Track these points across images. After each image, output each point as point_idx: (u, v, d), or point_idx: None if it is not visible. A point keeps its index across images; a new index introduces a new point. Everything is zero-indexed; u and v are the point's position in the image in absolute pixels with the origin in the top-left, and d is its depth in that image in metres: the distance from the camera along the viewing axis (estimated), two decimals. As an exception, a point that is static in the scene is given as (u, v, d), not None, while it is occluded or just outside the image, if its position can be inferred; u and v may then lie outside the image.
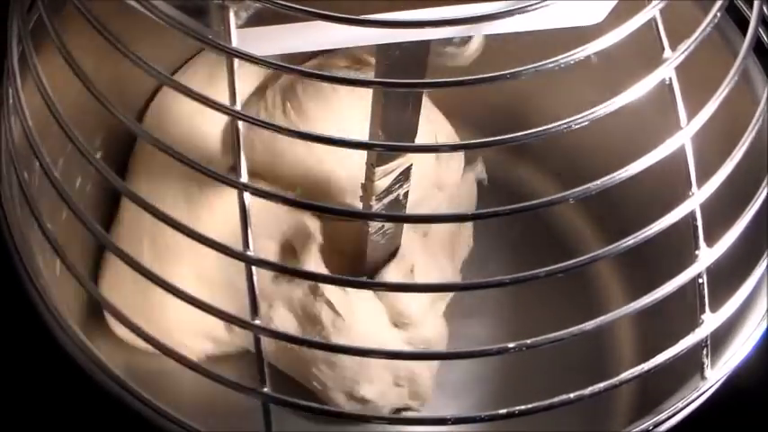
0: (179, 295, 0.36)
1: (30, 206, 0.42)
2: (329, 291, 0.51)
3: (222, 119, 0.54)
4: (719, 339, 0.40)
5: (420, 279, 0.53)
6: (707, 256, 0.37)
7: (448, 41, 0.46)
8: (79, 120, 0.39)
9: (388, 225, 0.52)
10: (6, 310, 0.49)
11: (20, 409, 0.54)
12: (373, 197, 0.49)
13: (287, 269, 0.35)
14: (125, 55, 0.35)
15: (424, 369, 0.53)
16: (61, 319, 0.42)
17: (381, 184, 0.49)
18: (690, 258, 0.37)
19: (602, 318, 0.35)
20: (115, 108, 0.36)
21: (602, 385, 0.36)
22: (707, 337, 0.38)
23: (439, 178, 0.59)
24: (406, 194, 0.51)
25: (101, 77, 0.37)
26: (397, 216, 0.51)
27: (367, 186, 0.49)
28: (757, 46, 0.43)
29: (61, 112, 0.39)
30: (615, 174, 0.35)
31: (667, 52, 0.36)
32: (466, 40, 0.49)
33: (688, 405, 0.39)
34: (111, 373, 0.40)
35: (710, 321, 0.38)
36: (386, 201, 0.50)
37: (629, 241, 0.35)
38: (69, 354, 0.41)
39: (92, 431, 0.53)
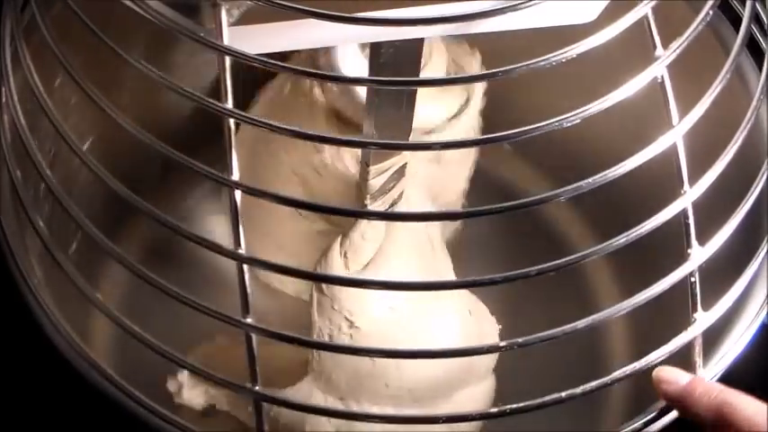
0: (173, 295, 0.36)
1: (22, 205, 0.42)
2: None
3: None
4: (712, 337, 0.40)
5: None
6: (699, 254, 0.37)
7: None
8: (71, 118, 0.39)
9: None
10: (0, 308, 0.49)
11: (14, 409, 0.53)
12: (368, 196, 0.49)
13: (279, 267, 0.35)
14: (119, 53, 0.35)
15: None
16: (54, 318, 0.42)
17: (376, 182, 0.49)
18: (682, 257, 0.37)
19: (594, 316, 0.35)
20: (107, 105, 0.36)
21: (594, 384, 0.36)
22: (699, 335, 0.38)
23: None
24: (400, 194, 0.51)
25: (93, 75, 0.37)
26: (393, 215, 0.51)
27: (361, 185, 0.49)
28: (750, 44, 0.43)
29: (53, 110, 0.39)
30: (607, 171, 0.35)
31: (659, 50, 0.36)
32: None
33: (681, 403, 0.39)
34: (105, 372, 0.40)
35: (703, 320, 0.38)
36: (381, 199, 0.50)
37: (621, 239, 0.35)
38: (62, 354, 0.41)
39: (86, 431, 0.53)
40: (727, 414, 0.35)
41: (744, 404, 0.35)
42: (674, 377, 0.37)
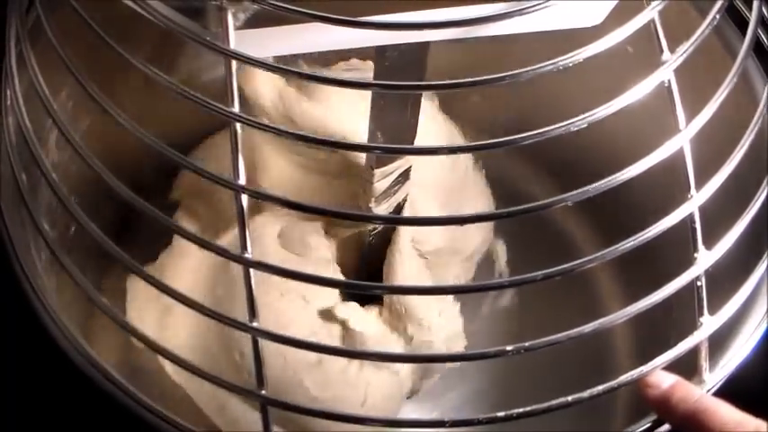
0: (176, 296, 0.36)
1: (26, 207, 0.42)
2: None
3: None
4: (718, 342, 0.40)
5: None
6: (705, 258, 0.37)
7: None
8: (75, 120, 0.39)
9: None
10: (4, 310, 0.49)
11: (17, 410, 0.53)
12: (372, 199, 0.49)
13: (284, 271, 0.35)
14: (124, 56, 0.35)
15: None
16: (59, 320, 0.42)
17: (380, 185, 0.48)
18: (689, 261, 0.37)
19: (600, 320, 0.35)
20: (111, 107, 0.36)
21: (600, 388, 0.36)
22: (705, 339, 0.38)
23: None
24: (405, 197, 0.51)
25: (99, 80, 0.37)
26: (397, 218, 0.51)
27: (366, 188, 0.49)
28: (757, 47, 0.43)
29: (58, 112, 0.39)
30: (614, 176, 0.35)
31: (666, 54, 0.36)
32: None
33: (687, 407, 0.39)
34: (109, 374, 0.40)
35: (709, 324, 0.38)
36: (385, 203, 0.50)
37: (628, 244, 0.35)
38: (66, 355, 0.41)
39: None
40: (702, 422, 0.35)
41: (720, 414, 0.35)
42: (658, 381, 0.37)
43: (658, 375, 0.37)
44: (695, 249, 0.37)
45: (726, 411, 0.35)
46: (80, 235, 0.51)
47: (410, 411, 0.56)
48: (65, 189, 0.40)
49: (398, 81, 0.38)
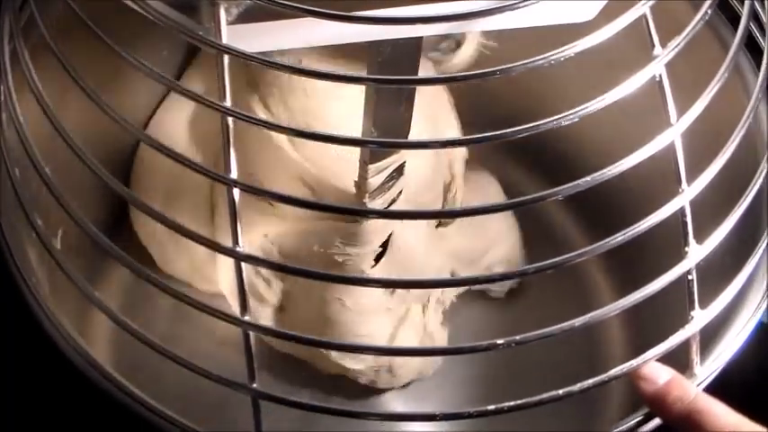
0: (172, 293, 0.36)
1: (21, 204, 0.42)
2: None
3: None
4: (709, 335, 0.40)
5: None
6: (696, 252, 0.37)
7: (435, 47, 0.46)
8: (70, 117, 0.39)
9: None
10: (0, 309, 0.49)
11: (14, 408, 0.54)
12: (366, 194, 0.49)
13: (277, 265, 0.35)
14: (119, 54, 0.35)
15: None
16: (54, 317, 0.42)
17: (375, 181, 0.49)
18: (680, 255, 0.37)
19: (591, 314, 0.35)
20: (106, 105, 0.36)
21: (591, 381, 0.36)
22: (697, 333, 0.38)
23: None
24: (399, 192, 0.51)
25: (93, 76, 0.38)
26: (392, 213, 0.51)
27: (360, 184, 0.49)
28: (748, 42, 0.43)
29: (53, 110, 0.39)
30: (605, 170, 0.35)
31: (657, 49, 0.36)
32: (454, 48, 0.49)
33: (678, 401, 0.39)
34: (105, 371, 0.40)
35: (700, 318, 0.38)
36: (380, 198, 0.50)
37: (619, 238, 0.35)
38: (62, 352, 0.41)
39: (87, 430, 0.53)
40: (697, 424, 0.35)
41: (715, 415, 0.35)
42: (653, 375, 0.37)
43: (653, 368, 0.37)
44: (686, 243, 0.37)
45: (722, 413, 0.35)
46: (74, 231, 0.52)
47: (401, 405, 0.56)
48: (59, 185, 0.40)
49: (392, 76, 0.38)
